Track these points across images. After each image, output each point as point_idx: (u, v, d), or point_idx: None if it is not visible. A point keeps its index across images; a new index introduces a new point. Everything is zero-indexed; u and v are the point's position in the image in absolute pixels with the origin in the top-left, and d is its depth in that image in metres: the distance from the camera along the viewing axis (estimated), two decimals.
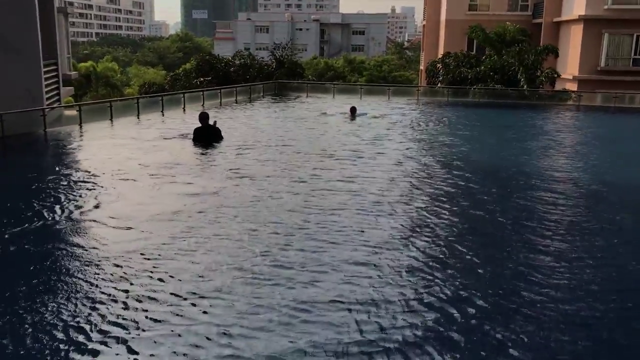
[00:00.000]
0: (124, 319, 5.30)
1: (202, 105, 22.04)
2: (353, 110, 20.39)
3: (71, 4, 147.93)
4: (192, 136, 14.42)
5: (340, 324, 5.21)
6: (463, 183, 11.02)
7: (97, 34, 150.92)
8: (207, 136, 14.25)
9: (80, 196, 9.57)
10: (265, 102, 24.94)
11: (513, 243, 7.76)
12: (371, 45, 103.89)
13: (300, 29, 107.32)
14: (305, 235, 7.65)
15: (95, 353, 4.79)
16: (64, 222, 8.22)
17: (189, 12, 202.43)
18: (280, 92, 27.33)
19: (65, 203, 9.10)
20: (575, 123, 22.03)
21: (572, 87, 33.65)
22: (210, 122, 14.76)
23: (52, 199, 9.34)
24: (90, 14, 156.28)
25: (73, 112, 19.60)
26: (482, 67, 27.13)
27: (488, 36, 28.69)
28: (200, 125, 14.51)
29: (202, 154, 13.58)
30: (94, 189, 9.98)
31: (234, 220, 8.26)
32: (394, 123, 19.13)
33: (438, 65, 29.85)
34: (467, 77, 26.98)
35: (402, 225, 8.27)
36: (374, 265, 6.64)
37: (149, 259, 6.73)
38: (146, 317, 5.33)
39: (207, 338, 4.97)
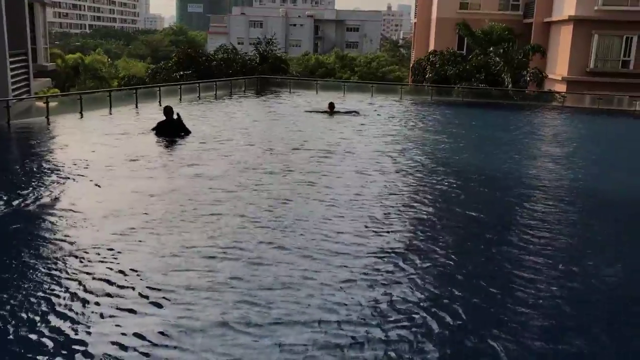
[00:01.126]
0: (76, 313, 5.19)
1: (180, 99, 21.58)
2: (331, 106, 19.98)
3: None
4: (155, 130, 14.22)
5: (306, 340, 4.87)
6: (415, 182, 10.81)
7: (90, 26, 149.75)
8: (171, 130, 14.07)
9: (31, 190, 9.11)
10: (246, 97, 24.50)
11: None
12: (364, 42, 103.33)
13: (295, 25, 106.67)
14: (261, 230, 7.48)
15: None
16: (13, 216, 7.93)
17: (184, 6, 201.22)
18: (263, 88, 26.89)
19: (13, 197, 8.67)
20: (554, 125, 21.68)
21: (561, 87, 33.36)
22: (175, 116, 14.40)
23: None
24: (84, 6, 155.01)
25: (52, 104, 19.19)
26: (467, 66, 26.71)
27: (474, 34, 28.28)
28: (164, 118, 14.30)
29: (164, 148, 13.27)
30: (45, 184, 9.57)
31: (185, 216, 8.01)
32: (366, 121, 18.75)
33: (424, 63, 29.44)
34: (452, 75, 26.56)
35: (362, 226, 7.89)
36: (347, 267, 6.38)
37: (99, 254, 6.51)
38: (93, 312, 5.22)
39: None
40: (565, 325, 5.43)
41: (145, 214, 8.08)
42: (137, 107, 19.42)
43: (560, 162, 13.66)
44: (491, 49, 27.07)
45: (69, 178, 10.00)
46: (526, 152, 15.16)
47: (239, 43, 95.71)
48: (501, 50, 26.88)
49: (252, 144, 14.10)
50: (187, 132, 14.27)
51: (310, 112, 20.16)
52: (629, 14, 32.19)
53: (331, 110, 19.77)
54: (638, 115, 23.93)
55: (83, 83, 56.67)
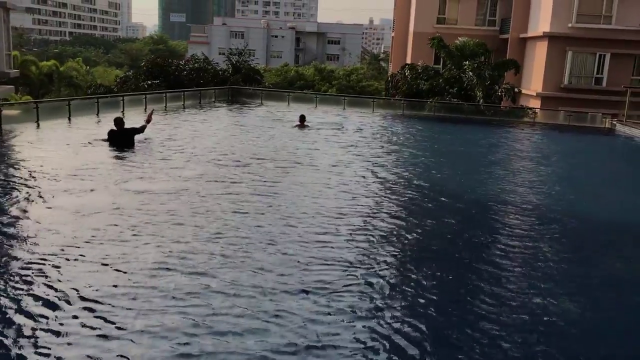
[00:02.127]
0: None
1: (145, 109, 21.03)
2: (302, 118, 19.59)
3: (44, 1, 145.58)
4: (107, 140, 14.04)
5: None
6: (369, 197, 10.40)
7: (70, 33, 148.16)
8: (122, 140, 13.94)
9: None
10: (215, 108, 24.05)
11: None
12: (343, 55, 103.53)
13: (276, 36, 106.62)
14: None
15: None
16: None
17: (167, 15, 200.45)
18: (235, 98, 26.45)
19: None
20: (520, 140, 21.52)
21: (536, 103, 33.39)
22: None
23: None
24: (65, 13, 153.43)
25: (11, 112, 18.62)
26: (440, 80, 26.53)
27: (448, 48, 28.15)
28: (115, 128, 14.13)
29: (115, 158, 12.95)
30: None
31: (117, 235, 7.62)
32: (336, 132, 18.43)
33: (397, 77, 29.24)
34: (425, 89, 26.35)
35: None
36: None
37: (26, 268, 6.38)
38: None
39: None
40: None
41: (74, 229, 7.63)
42: (98, 116, 18.86)
43: (517, 178, 13.47)
44: (465, 63, 26.89)
45: (7, 190, 9.49)
46: (481, 168, 14.89)
47: (220, 53, 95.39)
48: (475, 65, 26.72)
49: (204, 155, 13.69)
50: (140, 131, 14.33)
51: (278, 121, 19.69)
52: (602, 32, 32.38)
53: (302, 123, 19.38)
54: (606, 132, 23.91)
55: (58, 91, 55.72)
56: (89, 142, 14.18)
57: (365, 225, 8.72)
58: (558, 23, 32.80)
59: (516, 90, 28.37)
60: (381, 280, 6.60)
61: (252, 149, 14.95)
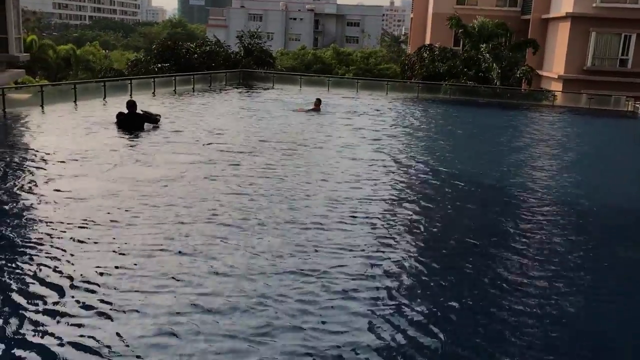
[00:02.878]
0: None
1: (153, 93, 20.72)
2: (318, 102, 19.06)
3: None
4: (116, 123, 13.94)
5: None
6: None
7: (90, 17, 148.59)
8: (130, 123, 13.79)
9: None
10: (225, 91, 23.60)
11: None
12: (363, 38, 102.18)
13: (294, 19, 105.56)
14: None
15: None
16: None
17: None
18: (246, 82, 26.00)
19: None
20: (539, 125, 20.65)
21: (558, 86, 32.45)
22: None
23: None
24: None
25: (20, 96, 18.50)
26: (457, 62, 25.72)
27: (467, 29, 27.26)
28: (126, 111, 14.00)
29: (119, 143, 12.59)
30: None
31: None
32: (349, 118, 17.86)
33: (414, 59, 28.47)
34: (443, 71, 25.57)
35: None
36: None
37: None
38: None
39: None
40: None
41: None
42: (105, 100, 18.56)
43: (536, 164, 12.84)
44: (482, 45, 26.02)
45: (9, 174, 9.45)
46: (496, 153, 14.30)
47: (237, 36, 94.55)
48: (492, 46, 25.83)
49: (210, 142, 13.27)
50: (155, 121, 14.21)
51: (295, 110, 18.94)
52: (628, 11, 31.22)
53: (317, 107, 18.80)
54: (629, 115, 22.99)
55: (75, 74, 55.76)
56: (103, 125, 13.98)
57: (382, 212, 8.47)
58: (581, 3, 31.70)
59: (534, 71, 27.34)
60: (395, 268, 6.45)
61: (257, 134, 14.48)
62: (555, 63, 33.97)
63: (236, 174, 10.14)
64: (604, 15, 31.31)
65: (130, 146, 12.29)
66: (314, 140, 13.99)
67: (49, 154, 10.98)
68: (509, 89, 24.80)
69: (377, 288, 5.92)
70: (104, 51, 66.71)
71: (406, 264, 6.65)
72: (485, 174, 11.79)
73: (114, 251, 6.47)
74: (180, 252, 6.50)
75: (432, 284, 6.26)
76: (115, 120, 13.97)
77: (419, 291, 6.04)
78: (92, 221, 7.36)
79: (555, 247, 7.64)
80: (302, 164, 11.39)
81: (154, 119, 14.32)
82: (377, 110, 20.19)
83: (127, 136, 13.25)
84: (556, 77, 32.96)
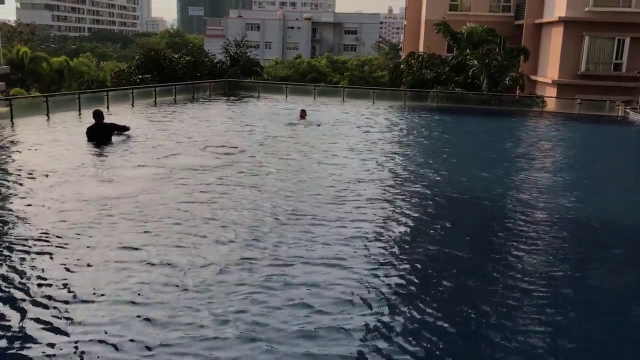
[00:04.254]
0: None
1: (132, 104, 20.26)
2: (303, 113, 18.52)
3: None
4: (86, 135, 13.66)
5: None
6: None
7: (89, 29, 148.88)
8: (100, 134, 13.53)
9: None
10: (209, 102, 23.11)
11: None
12: (359, 46, 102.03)
13: (292, 28, 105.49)
14: None
15: None
16: None
17: (185, 9, 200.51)
18: (231, 91, 25.52)
19: None
20: (524, 132, 19.97)
21: (552, 91, 31.98)
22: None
23: None
24: (83, 9, 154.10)
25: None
26: (446, 68, 25.18)
27: (455, 35, 26.77)
28: (93, 122, 13.74)
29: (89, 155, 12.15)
30: None
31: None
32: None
33: (402, 66, 27.97)
34: (430, 78, 25.05)
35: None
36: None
37: None
38: None
39: None
40: None
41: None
42: (80, 112, 18.08)
43: (518, 173, 12.28)
44: (467, 51, 25.51)
45: None
46: (479, 163, 13.72)
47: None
48: (481, 52, 25.31)
49: (178, 153, 12.80)
50: (124, 129, 14.10)
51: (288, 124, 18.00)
52: (621, 15, 30.77)
53: (302, 117, 18.24)
54: (620, 120, 22.40)
55: (69, 86, 55.45)
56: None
57: (374, 228, 8.07)
58: (574, 7, 31.28)
59: (525, 78, 26.79)
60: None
61: (229, 144, 13.96)
62: (550, 68, 33.52)
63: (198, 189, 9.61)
64: (597, 19, 30.87)
65: (83, 163, 11.68)
66: (298, 152, 13.45)
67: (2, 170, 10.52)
68: (496, 95, 24.26)
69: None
70: (96, 62, 66.30)
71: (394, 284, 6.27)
72: (476, 184, 11.26)
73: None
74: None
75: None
76: (86, 132, 13.66)
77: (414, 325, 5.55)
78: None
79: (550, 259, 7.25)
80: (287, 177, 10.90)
81: (123, 128, 14.18)
82: (361, 119, 19.65)
83: (92, 150, 12.88)
84: (550, 82, 32.51)
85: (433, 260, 7.15)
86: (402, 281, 6.40)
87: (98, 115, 13.80)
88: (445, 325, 5.45)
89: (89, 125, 13.81)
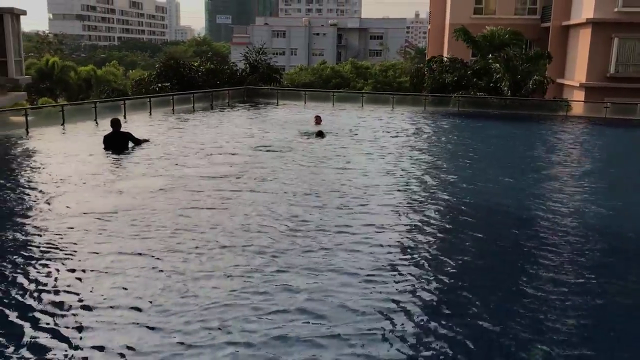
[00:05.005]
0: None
1: (150, 113, 20.24)
2: (318, 119, 18.25)
3: (93, 8, 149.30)
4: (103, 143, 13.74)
5: None
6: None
7: (119, 38, 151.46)
8: (114, 142, 13.51)
9: None
10: (227, 110, 22.99)
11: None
12: (385, 51, 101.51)
13: (317, 34, 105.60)
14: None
15: None
16: None
17: (213, 17, 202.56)
18: (250, 99, 25.39)
19: None
20: (544, 137, 19.15)
21: (579, 94, 31.15)
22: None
23: None
24: (113, 19, 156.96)
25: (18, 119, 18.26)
26: (467, 72, 24.61)
27: (475, 40, 26.21)
28: (111, 131, 13.82)
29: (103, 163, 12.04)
30: None
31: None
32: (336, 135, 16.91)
33: (424, 70, 27.49)
34: (450, 83, 24.52)
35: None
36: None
37: None
38: None
39: None
40: None
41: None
42: (96, 122, 18.11)
43: (541, 184, 11.73)
44: (493, 55, 24.90)
45: None
46: (502, 170, 13.21)
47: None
48: (503, 56, 24.69)
49: (189, 161, 12.62)
50: (140, 142, 14.01)
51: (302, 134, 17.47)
52: None
53: (318, 123, 17.95)
54: None
55: (96, 95, 56.18)
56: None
57: (395, 237, 7.81)
58: (602, 8, 30.42)
59: (549, 81, 26.04)
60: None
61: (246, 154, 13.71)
62: (577, 71, 32.65)
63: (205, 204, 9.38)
64: (627, 20, 29.97)
65: (94, 173, 11.56)
66: (315, 160, 13.14)
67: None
68: (520, 99, 23.60)
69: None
70: (124, 71, 67.17)
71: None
72: (483, 190, 10.80)
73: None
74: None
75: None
76: (103, 140, 13.74)
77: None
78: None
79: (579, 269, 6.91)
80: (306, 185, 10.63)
81: (138, 140, 14.11)
82: (380, 125, 19.27)
83: (105, 159, 12.86)
84: (578, 85, 31.65)
85: (458, 271, 6.86)
86: (427, 294, 6.18)
87: (115, 123, 13.88)
88: (471, 340, 5.22)
89: (105, 133, 13.88)
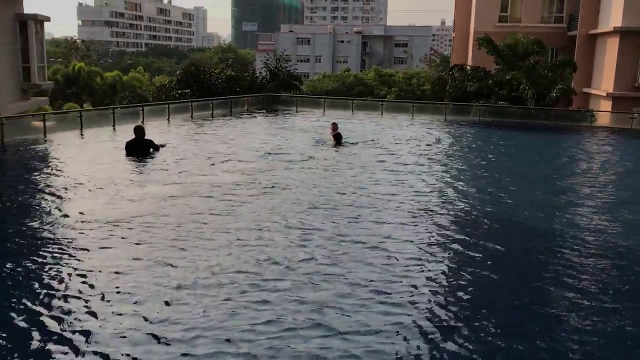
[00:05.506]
0: None
1: (168, 119, 20.26)
2: (334, 127, 18.02)
3: (122, 14, 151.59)
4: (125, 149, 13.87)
5: None
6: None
7: (146, 44, 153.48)
8: (138, 150, 13.63)
9: None
10: (246, 117, 22.92)
11: None
12: (410, 59, 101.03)
13: (342, 41, 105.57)
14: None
15: None
16: None
17: (239, 24, 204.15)
18: (269, 106, 25.32)
19: None
20: (566, 148, 18.49)
21: (606, 104, 30.49)
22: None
23: None
24: (141, 25, 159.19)
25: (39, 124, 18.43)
26: (489, 82, 24.17)
27: (497, 48, 25.75)
28: (134, 137, 13.97)
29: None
30: None
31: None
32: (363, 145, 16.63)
33: (445, 78, 27.12)
34: (473, 92, 24.10)
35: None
36: None
37: None
38: None
39: None
40: None
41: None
42: (114, 127, 18.16)
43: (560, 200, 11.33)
44: (517, 63, 24.39)
45: None
46: (507, 179, 12.84)
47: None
48: (528, 65, 24.19)
49: (205, 169, 12.52)
50: (155, 147, 14.10)
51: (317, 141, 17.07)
52: None
53: (334, 131, 17.68)
54: None
55: (121, 100, 56.85)
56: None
57: (414, 250, 7.65)
58: (631, 17, 29.77)
59: (573, 91, 25.45)
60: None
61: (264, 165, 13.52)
62: (604, 80, 31.98)
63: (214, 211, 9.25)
64: None
65: (107, 179, 11.55)
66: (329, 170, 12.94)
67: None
68: (543, 109, 23.07)
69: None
70: (149, 77, 67.86)
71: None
72: (498, 205, 10.47)
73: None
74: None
75: None
76: (125, 146, 13.88)
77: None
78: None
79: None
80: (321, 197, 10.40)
81: (157, 146, 14.25)
82: (399, 133, 18.99)
83: (122, 164, 12.92)
84: (605, 94, 30.98)
85: (475, 288, 6.67)
86: (442, 310, 6.00)
87: (139, 130, 14.03)
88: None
89: (126, 139, 14.04)
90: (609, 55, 31.78)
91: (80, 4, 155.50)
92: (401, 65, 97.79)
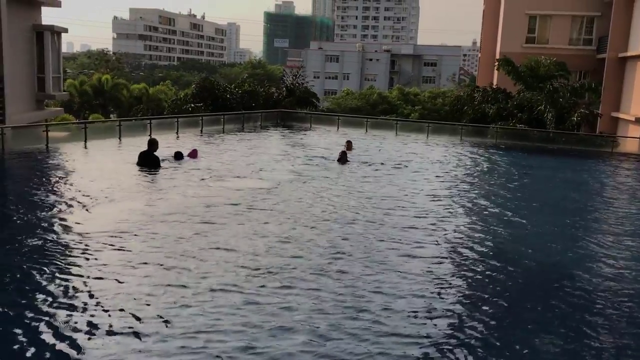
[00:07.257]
0: None
1: (176, 133, 20.05)
2: (349, 145, 17.66)
3: (155, 28, 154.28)
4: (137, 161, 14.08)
5: None
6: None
7: (179, 58, 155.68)
8: (148, 162, 13.92)
9: None
10: (257, 132, 22.59)
11: None
12: (439, 78, 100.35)
13: (371, 59, 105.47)
14: None
15: None
16: None
17: (271, 41, 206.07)
18: (284, 122, 24.99)
19: None
20: (582, 176, 17.45)
21: (636, 129, 29.37)
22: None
23: None
24: (174, 39, 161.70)
25: (61, 133, 18.53)
26: (508, 104, 23.42)
27: (517, 70, 25.00)
28: (147, 149, 14.23)
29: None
30: None
31: None
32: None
33: (464, 100, 26.43)
34: (492, 113, 23.39)
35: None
36: None
37: None
38: None
39: None
40: None
41: None
42: (120, 140, 17.98)
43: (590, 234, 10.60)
44: (537, 86, 23.60)
45: None
46: (523, 207, 12.10)
47: (314, 77, 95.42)
48: (549, 87, 23.39)
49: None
50: (158, 165, 14.15)
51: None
52: None
53: (348, 149, 17.24)
54: None
55: (145, 112, 57.34)
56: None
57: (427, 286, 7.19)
58: None
59: (596, 115, 24.53)
60: None
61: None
62: (634, 104, 30.90)
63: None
64: None
65: (106, 190, 11.27)
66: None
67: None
68: (562, 132, 22.20)
69: None
70: (176, 90, 68.46)
71: None
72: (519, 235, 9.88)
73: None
74: None
75: None
76: (138, 156, 14.14)
77: None
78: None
79: None
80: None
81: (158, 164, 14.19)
82: (410, 154, 18.39)
83: (120, 176, 12.92)
84: (634, 119, 29.86)
85: (492, 316, 6.41)
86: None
87: (152, 143, 14.28)
88: None
89: (130, 151, 14.50)
90: (639, 79, 30.75)
91: (115, 17, 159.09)
92: (429, 84, 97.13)
